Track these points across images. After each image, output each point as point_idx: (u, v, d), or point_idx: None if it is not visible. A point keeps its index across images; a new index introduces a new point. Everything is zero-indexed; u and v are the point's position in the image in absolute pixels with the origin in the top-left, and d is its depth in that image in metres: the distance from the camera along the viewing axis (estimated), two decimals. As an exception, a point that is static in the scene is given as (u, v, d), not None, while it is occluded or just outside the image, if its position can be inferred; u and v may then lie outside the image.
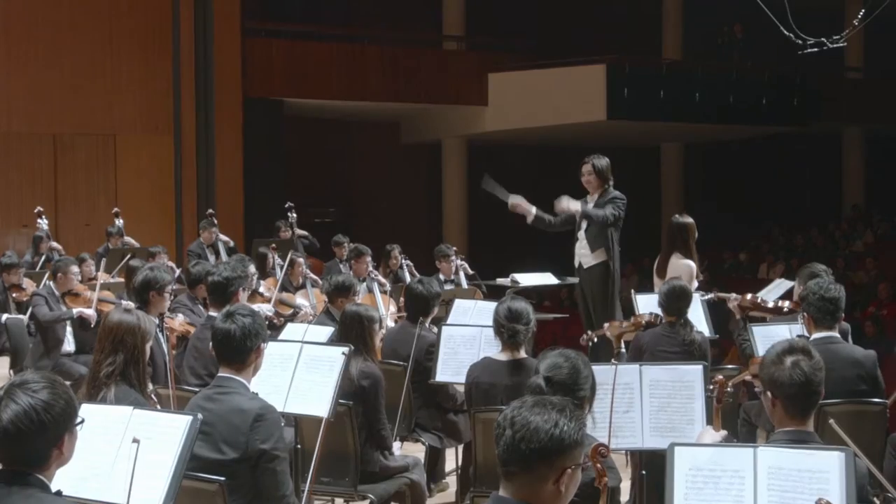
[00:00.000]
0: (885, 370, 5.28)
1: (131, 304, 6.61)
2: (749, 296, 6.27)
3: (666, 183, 20.82)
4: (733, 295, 6.37)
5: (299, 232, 12.02)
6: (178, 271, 10.18)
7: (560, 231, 7.79)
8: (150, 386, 4.50)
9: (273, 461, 3.71)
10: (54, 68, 14.62)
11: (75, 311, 7.76)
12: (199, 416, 3.47)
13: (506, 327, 4.86)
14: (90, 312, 7.62)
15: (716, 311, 7.00)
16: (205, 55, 15.25)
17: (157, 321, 5.70)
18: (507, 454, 2.51)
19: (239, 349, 3.85)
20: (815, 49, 8.94)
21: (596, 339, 6.69)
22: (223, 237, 11.68)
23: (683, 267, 7.11)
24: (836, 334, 5.00)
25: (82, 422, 2.79)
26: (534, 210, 7.70)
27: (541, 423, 2.49)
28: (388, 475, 5.10)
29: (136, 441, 3.23)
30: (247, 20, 16.01)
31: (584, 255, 7.68)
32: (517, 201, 7.67)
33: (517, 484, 2.53)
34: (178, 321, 6.10)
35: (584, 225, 7.65)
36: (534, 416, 2.51)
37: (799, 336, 5.43)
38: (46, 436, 2.65)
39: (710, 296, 6.58)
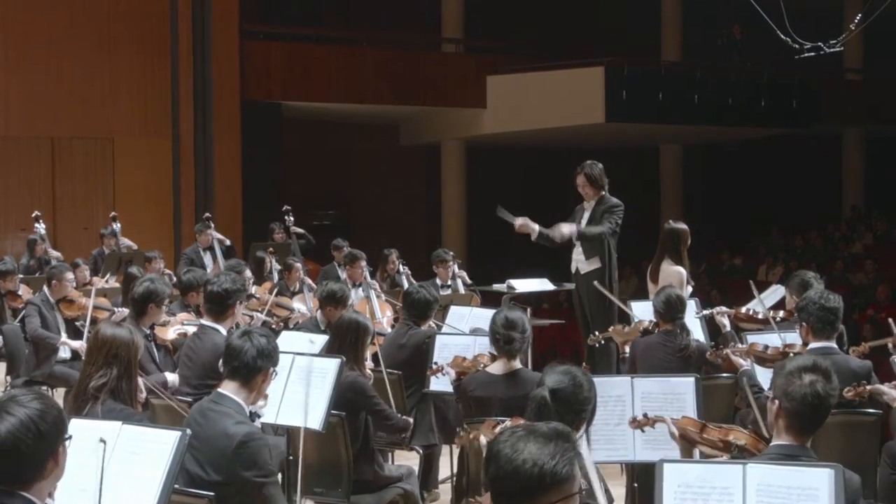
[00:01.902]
0: (883, 374, 5.27)
1: (124, 312, 6.62)
2: (743, 309, 6.27)
3: (665, 185, 20.81)
4: (724, 308, 6.37)
5: (296, 230, 11.99)
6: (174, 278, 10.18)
7: (562, 246, 7.83)
8: (144, 394, 4.50)
9: (261, 487, 3.70)
10: (52, 71, 14.62)
11: (62, 339, 7.78)
12: (188, 431, 3.46)
13: (502, 335, 4.85)
14: (77, 345, 7.60)
15: (712, 319, 6.99)
16: (203, 58, 15.25)
17: (147, 331, 5.71)
18: (494, 489, 2.49)
19: (249, 366, 3.85)
20: (812, 53, 8.94)
21: (603, 342, 6.66)
22: (218, 235, 11.62)
23: (674, 273, 7.10)
24: (834, 345, 4.96)
25: (70, 437, 2.79)
26: (537, 228, 7.74)
27: (519, 462, 2.43)
28: (381, 485, 5.09)
29: (102, 441, 3.22)
30: (245, 23, 16.01)
31: (580, 260, 7.71)
32: (522, 222, 7.70)
33: None
34: (173, 329, 6.09)
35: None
36: (516, 453, 2.45)
37: (787, 346, 5.44)
38: (44, 445, 2.64)
39: (706, 313, 6.56)
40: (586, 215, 7.67)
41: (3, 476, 2.64)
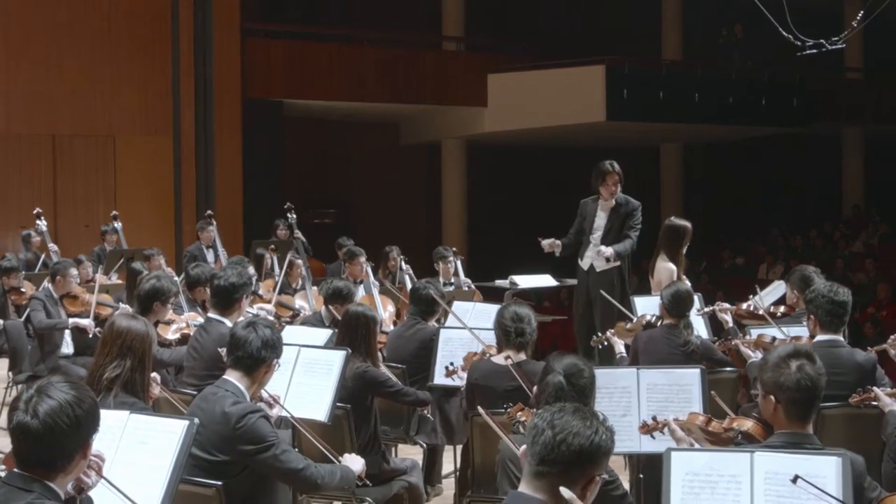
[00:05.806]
0: (888, 368, 5.28)
1: (127, 309, 6.62)
2: (744, 305, 6.28)
3: (665, 183, 20.80)
4: (727, 305, 6.38)
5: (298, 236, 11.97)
6: (178, 279, 10.16)
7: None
8: (157, 389, 4.50)
9: (265, 452, 3.74)
10: (53, 69, 14.61)
11: (70, 320, 7.72)
12: (196, 420, 3.47)
13: (513, 328, 4.87)
14: (86, 323, 7.56)
15: (714, 316, 7.00)
16: (204, 56, 15.23)
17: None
18: (544, 453, 2.54)
19: (253, 357, 3.88)
20: (814, 51, 8.95)
21: (606, 343, 6.68)
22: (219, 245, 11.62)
23: (664, 270, 7.11)
24: (840, 338, 4.97)
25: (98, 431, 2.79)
26: (559, 242, 7.89)
27: (583, 427, 2.54)
28: (385, 478, 5.09)
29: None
30: (246, 21, 16.01)
31: (594, 257, 7.74)
32: (547, 242, 7.78)
33: (545, 484, 2.54)
34: (174, 328, 6.09)
35: (599, 233, 7.71)
36: (576, 420, 2.56)
37: (795, 337, 5.44)
38: (79, 432, 2.65)
39: (707, 310, 6.57)
40: (601, 215, 7.73)
41: (31, 460, 2.63)
